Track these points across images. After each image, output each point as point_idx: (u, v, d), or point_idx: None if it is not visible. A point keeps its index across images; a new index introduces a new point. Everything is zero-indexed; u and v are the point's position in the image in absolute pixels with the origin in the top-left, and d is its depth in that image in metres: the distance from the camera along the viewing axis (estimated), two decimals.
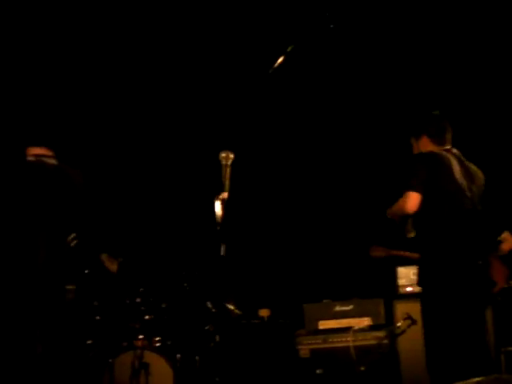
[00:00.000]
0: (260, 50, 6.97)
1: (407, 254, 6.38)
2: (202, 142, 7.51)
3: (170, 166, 7.93)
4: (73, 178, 5.40)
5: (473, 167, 5.45)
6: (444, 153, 5.34)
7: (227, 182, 4.61)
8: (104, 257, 6.38)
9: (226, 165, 4.65)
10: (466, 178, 5.30)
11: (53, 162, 5.36)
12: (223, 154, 4.70)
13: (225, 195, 4.63)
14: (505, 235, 5.51)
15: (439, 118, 5.50)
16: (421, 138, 5.45)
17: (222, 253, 4.54)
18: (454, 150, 5.43)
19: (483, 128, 7.43)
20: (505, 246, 5.47)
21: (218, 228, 4.64)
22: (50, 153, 5.38)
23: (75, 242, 5.40)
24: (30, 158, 5.33)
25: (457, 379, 4.25)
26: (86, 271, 6.24)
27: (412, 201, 5.13)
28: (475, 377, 4.12)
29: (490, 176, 5.51)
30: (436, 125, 5.45)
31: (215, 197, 4.63)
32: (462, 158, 5.44)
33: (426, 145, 5.43)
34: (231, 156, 4.69)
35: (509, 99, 7.41)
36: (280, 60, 5.71)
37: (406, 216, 5.22)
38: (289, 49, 5.71)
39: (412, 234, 5.34)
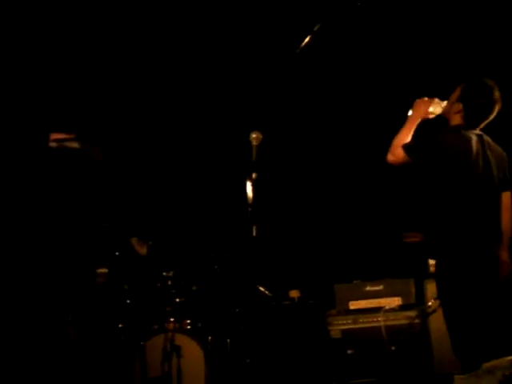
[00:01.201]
0: (287, 29, 6.93)
1: None
2: (232, 122, 7.49)
3: (201, 147, 7.91)
4: (95, 158, 5.41)
5: (497, 148, 5.32)
6: (466, 133, 5.20)
7: (257, 163, 4.61)
8: (134, 241, 6.43)
9: (257, 145, 4.66)
10: (484, 162, 5.17)
11: (75, 145, 5.36)
12: (253, 135, 4.70)
13: (255, 176, 4.63)
14: None
15: (493, 96, 5.15)
16: (455, 104, 5.15)
17: (254, 234, 4.54)
18: (477, 130, 5.18)
19: None
20: None
21: (249, 209, 4.64)
22: (71, 136, 5.39)
23: (105, 224, 5.43)
24: (53, 144, 5.34)
25: (485, 359, 4.24)
26: (117, 253, 6.27)
27: (398, 153, 5.04)
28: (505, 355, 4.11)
29: None
30: (487, 102, 5.13)
31: (246, 178, 4.63)
32: (485, 136, 5.19)
33: (458, 112, 5.14)
34: (261, 136, 4.69)
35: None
36: (307, 40, 5.67)
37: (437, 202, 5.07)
38: (315, 28, 5.66)
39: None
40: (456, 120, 5.21)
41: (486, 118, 5.15)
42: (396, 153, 5.04)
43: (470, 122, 5.17)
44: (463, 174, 5.03)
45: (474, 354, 4.71)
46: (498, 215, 5.10)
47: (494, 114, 5.13)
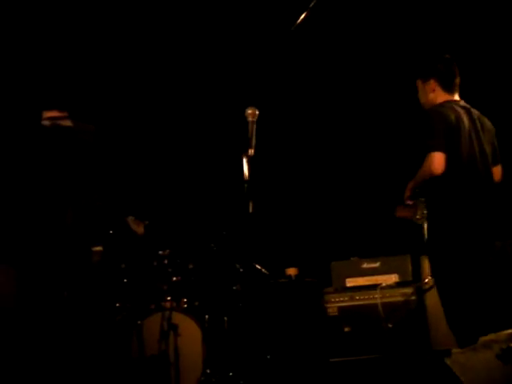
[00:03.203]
0: (282, 6, 6.90)
1: None
2: (228, 98, 7.46)
3: (196, 124, 7.88)
4: (88, 136, 5.39)
5: (485, 121, 5.34)
6: (456, 107, 5.22)
7: (253, 139, 4.58)
8: (130, 219, 6.41)
9: (253, 121, 4.63)
10: (476, 137, 5.18)
11: (68, 123, 5.33)
12: (249, 111, 4.67)
13: (251, 152, 4.61)
14: None
15: (449, 60, 5.36)
16: (428, 81, 5.29)
17: (250, 210, 4.52)
18: (463, 103, 5.31)
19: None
20: None
21: (246, 186, 4.62)
22: (64, 114, 5.36)
23: (99, 203, 5.41)
24: (45, 122, 5.31)
25: (481, 334, 4.25)
26: (111, 232, 6.25)
27: (437, 160, 4.95)
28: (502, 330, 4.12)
29: None
30: (446, 66, 5.31)
31: (242, 154, 4.61)
32: (472, 110, 5.30)
33: (434, 89, 5.28)
34: (257, 112, 4.66)
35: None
36: (303, 16, 5.64)
37: (432, 179, 5.07)
38: (311, 4, 5.63)
39: (419, 215, 5.24)
40: (437, 97, 5.24)
41: (456, 77, 5.32)
42: (433, 162, 4.99)
43: (448, 88, 5.27)
44: (460, 148, 5.04)
45: (471, 329, 4.73)
46: (492, 193, 5.12)
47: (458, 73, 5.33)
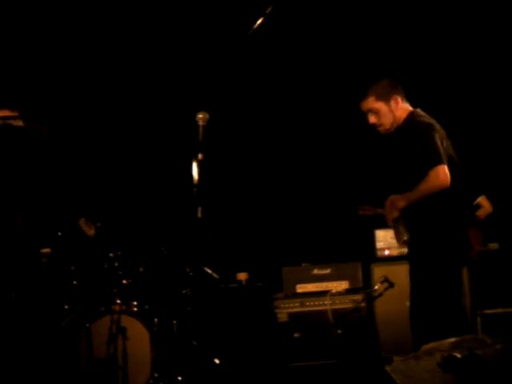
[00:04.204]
0: (240, 11, 6.90)
1: None
2: (179, 102, 7.44)
3: (147, 128, 7.85)
4: (40, 137, 5.32)
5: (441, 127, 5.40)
6: (425, 114, 5.27)
7: (203, 143, 4.58)
8: (81, 222, 6.36)
9: (203, 125, 4.63)
10: (451, 144, 5.26)
11: (20, 123, 5.27)
12: (200, 115, 4.67)
13: (201, 156, 4.60)
14: (481, 199, 5.51)
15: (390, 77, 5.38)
16: (392, 99, 5.23)
17: (199, 215, 4.52)
18: (420, 110, 5.34)
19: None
20: (481, 211, 5.47)
21: (195, 190, 4.62)
22: (15, 113, 5.30)
23: (47, 204, 5.36)
24: None
25: (435, 339, 4.28)
26: (59, 234, 6.20)
27: (444, 172, 4.93)
28: (452, 337, 4.15)
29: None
30: (396, 82, 5.33)
31: (192, 158, 4.60)
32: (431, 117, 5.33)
33: (398, 104, 5.24)
34: (208, 117, 4.66)
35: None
36: (259, 21, 5.65)
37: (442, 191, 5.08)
38: (268, 10, 5.64)
39: (405, 237, 5.28)
40: (404, 111, 5.26)
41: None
42: (440, 175, 4.96)
43: (405, 99, 5.28)
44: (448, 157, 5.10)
45: (428, 332, 4.79)
46: (466, 195, 5.19)
47: None
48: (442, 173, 4.96)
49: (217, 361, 6.68)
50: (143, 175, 7.83)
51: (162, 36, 7.56)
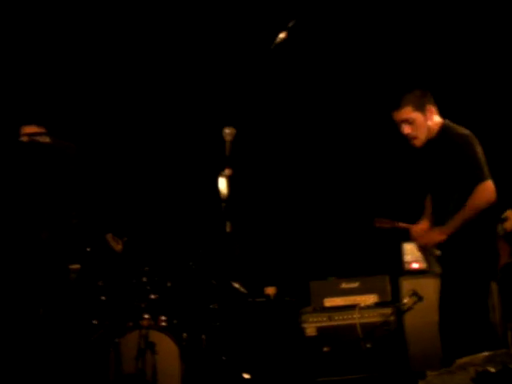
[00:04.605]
0: (262, 25, 6.92)
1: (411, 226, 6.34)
2: (206, 118, 7.46)
3: (174, 144, 7.88)
4: (67, 154, 5.35)
5: None
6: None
7: (231, 159, 4.59)
8: (109, 237, 6.38)
9: (230, 141, 4.64)
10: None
11: (46, 139, 5.30)
12: (227, 130, 4.68)
13: (229, 171, 4.61)
14: (508, 212, 5.49)
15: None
16: (427, 110, 5.18)
17: (228, 230, 4.52)
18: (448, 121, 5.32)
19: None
20: (509, 224, 5.44)
21: (223, 205, 4.62)
22: (42, 130, 5.33)
23: (76, 220, 5.39)
24: (24, 138, 5.27)
25: (466, 353, 4.25)
26: (88, 249, 6.22)
27: (491, 188, 4.96)
28: (482, 351, 4.12)
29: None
30: (428, 92, 5.29)
31: (219, 173, 4.61)
32: None
33: (433, 114, 5.20)
34: (235, 132, 4.67)
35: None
36: (282, 36, 5.65)
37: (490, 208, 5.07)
38: (290, 24, 5.64)
39: (437, 253, 5.28)
40: (436, 121, 5.21)
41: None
42: (488, 191, 4.98)
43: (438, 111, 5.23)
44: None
45: (458, 346, 4.75)
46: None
47: None
48: (490, 188, 4.96)
49: (246, 375, 6.66)
50: (171, 190, 7.85)
51: (190, 52, 7.60)
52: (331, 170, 7.95)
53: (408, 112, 5.17)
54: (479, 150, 5.06)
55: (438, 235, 5.10)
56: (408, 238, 6.08)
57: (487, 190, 4.95)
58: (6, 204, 5.10)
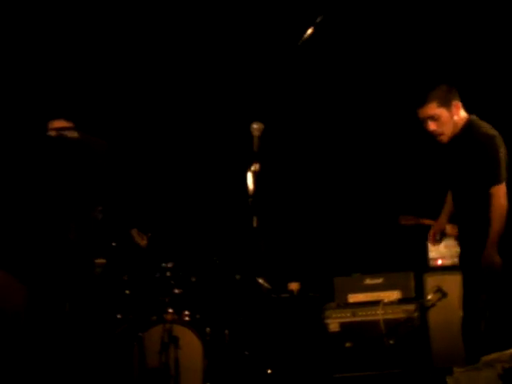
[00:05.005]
0: (290, 21, 6.92)
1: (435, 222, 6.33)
2: (234, 113, 7.47)
3: (201, 138, 7.89)
4: (95, 150, 5.35)
5: None
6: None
7: (259, 154, 4.59)
8: (134, 232, 6.41)
9: (258, 136, 4.64)
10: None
11: (74, 134, 5.29)
12: (255, 126, 4.69)
13: (256, 167, 4.61)
14: None
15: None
16: (453, 105, 5.14)
17: (255, 225, 4.53)
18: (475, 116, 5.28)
19: None
20: None
21: (250, 200, 4.63)
22: (71, 124, 5.32)
23: (101, 215, 5.41)
24: (51, 133, 5.26)
25: (490, 351, 4.24)
26: (114, 244, 6.25)
27: (504, 192, 4.95)
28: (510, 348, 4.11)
29: None
30: (453, 88, 5.24)
31: (247, 169, 4.62)
32: None
33: (458, 109, 5.17)
34: (262, 127, 4.67)
35: None
36: (309, 32, 5.64)
37: None
38: (318, 20, 5.63)
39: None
40: (461, 116, 5.17)
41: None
42: (497, 195, 4.95)
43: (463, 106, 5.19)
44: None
45: (481, 344, 4.74)
46: None
47: None
48: (501, 193, 4.94)
49: (269, 371, 6.67)
50: (198, 185, 7.86)
51: (221, 47, 7.62)
52: (357, 166, 7.94)
53: (433, 108, 5.13)
54: (503, 151, 5.03)
55: (493, 258, 5.00)
56: None
57: (497, 194, 4.93)
58: (34, 199, 5.12)
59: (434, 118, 5.14)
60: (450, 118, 5.13)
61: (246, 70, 7.58)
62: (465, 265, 5.22)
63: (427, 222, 5.83)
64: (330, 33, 6.48)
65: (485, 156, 5.00)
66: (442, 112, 5.13)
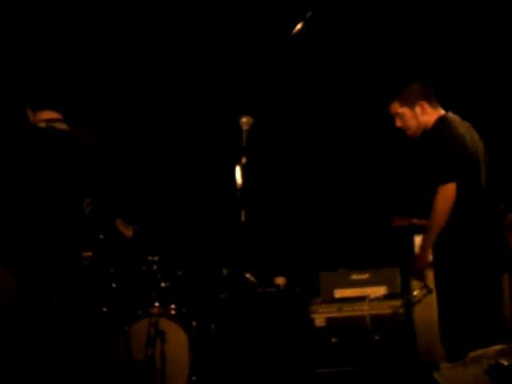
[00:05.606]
0: (279, 15, 6.93)
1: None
2: (222, 107, 7.47)
3: (189, 131, 7.89)
4: (85, 143, 5.32)
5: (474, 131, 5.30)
6: (457, 118, 5.20)
7: (247, 148, 4.59)
8: (119, 222, 6.38)
9: (247, 130, 4.64)
10: (476, 146, 5.18)
11: (64, 126, 5.26)
12: (244, 119, 4.68)
13: (245, 161, 4.61)
14: None
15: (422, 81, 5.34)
16: (417, 105, 5.18)
17: (242, 218, 4.52)
18: (452, 114, 5.25)
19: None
20: None
21: (238, 194, 4.62)
22: (60, 116, 5.29)
23: (89, 208, 5.38)
24: (41, 124, 5.23)
25: (472, 349, 4.26)
26: (101, 236, 6.23)
27: (452, 192, 4.90)
28: (491, 345, 4.13)
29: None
30: (425, 86, 5.28)
31: (235, 162, 4.61)
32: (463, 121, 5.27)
33: (426, 109, 5.19)
34: (251, 121, 4.67)
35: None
36: (299, 26, 5.64)
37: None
38: (308, 15, 5.63)
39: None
40: (435, 114, 5.20)
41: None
42: (445, 195, 4.92)
43: (435, 104, 5.21)
44: (472, 164, 5.03)
45: (463, 344, 4.74)
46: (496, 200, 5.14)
47: None
48: (445, 193, 4.89)
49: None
50: (185, 178, 7.86)
51: (206, 41, 7.61)
52: (344, 162, 7.96)
53: (396, 107, 5.28)
54: (459, 149, 5.00)
55: (423, 258, 5.09)
56: (419, 230, 6.10)
57: (439, 195, 4.91)
58: (22, 191, 5.09)
59: (398, 116, 5.27)
60: (413, 116, 5.21)
61: (236, 64, 7.59)
62: (436, 260, 5.23)
63: (419, 222, 5.84)
64: (320, 27, 6.48)
65: (434, 154, 5.03)
66: (404, 111, 5.23)
